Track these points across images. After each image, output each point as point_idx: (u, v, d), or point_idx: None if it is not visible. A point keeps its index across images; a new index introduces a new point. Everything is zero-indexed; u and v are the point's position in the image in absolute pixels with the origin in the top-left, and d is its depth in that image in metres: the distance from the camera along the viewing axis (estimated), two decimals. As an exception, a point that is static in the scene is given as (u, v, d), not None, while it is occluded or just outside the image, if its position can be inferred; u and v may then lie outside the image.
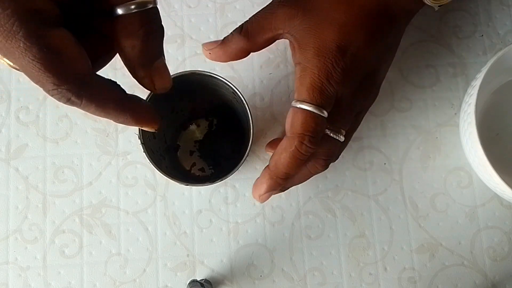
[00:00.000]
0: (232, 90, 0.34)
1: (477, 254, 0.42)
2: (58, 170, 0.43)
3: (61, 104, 0.45)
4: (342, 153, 0.42)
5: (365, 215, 0.42)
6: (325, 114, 0.31)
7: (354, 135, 0.43)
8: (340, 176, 0.43)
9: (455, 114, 0.44)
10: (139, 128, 0.33)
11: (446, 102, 0.45)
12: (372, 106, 0.44)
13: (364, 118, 0.44)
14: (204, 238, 0.42)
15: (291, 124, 0.31)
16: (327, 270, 0.42)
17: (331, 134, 0.33)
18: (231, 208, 0.42)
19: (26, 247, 0.41)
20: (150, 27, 0.24)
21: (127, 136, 0.43)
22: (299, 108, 0.31)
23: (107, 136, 0.43)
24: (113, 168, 0.43)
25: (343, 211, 0.42)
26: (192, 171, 0.42)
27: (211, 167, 0.42)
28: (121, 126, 0.43)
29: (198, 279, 0.40)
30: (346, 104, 0.33)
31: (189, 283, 0.39)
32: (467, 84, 0.45)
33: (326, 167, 0.35)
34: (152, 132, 0.36)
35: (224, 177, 0.34)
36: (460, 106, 0.43)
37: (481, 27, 0.46)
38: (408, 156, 0.44)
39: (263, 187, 0.33)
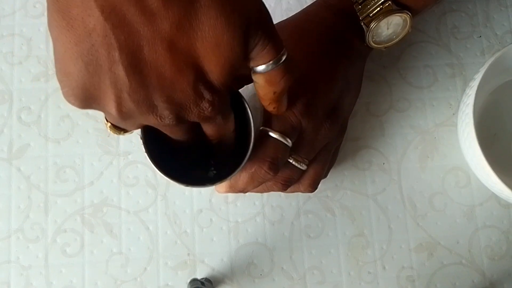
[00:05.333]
0: (234, 92, 0.34)
1: (475, 253, 0.42)
2: (60, 170, 0.43)
3: (62, 104, 0.45)
4: (341, 153, 0.43)
5: (364, 214, 0.43)
6: (289, 142, 0.34)
7: (353, 135, 0.44)
8: (339, 176, 0.43)
9: (453, 114, 0.45)
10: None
11: (444, 102, 0.45)
12: (371, 106, 0.45)
13: (362, 118, 0.44)
14: (205, 237, 0.42)
15: (256, 147, 0.34)
16: (326, 269, 0.42)
17: (293, 162, 0.36)
18: (231, 208, 0.43)
19: (28, 246, 0.42)
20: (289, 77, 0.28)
21: (128, 136, 0.43)
22: (266, 134, 0.34)
23: (108, 136, 0.44)
24: (114, 168, 0.43)
25: (342, 210, 0.43)
26: (194, 172, 0.43)
27: (214, 168, 0.43)
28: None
29: (199, 278, 0.40)
30: (310, 135, 0.36)
31: (190, 282, 0.39)
32: (465, 84, 0.45)
33: (283, 189, 0.37)
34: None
35: (225, 179, 0.34)
36: (458, 106, 0.44)
37: (479, 28, 0.46)
38: (407, 155, 0.44)
39: (222, 189, 0.37)
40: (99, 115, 0.44)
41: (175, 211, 0.42)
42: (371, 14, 0.36)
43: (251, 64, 0.27)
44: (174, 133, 0.28)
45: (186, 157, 0.43)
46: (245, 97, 0.35)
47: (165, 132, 0.28)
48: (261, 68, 0.27)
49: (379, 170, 0.44)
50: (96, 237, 0.42)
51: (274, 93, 0.29)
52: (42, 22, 0.46)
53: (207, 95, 0.24)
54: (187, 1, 0.22)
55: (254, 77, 0.28)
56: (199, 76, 0.24)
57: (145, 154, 0.33)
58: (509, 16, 0.47)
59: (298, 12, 0.39)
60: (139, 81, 0.23)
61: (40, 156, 0.43)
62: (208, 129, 0.28)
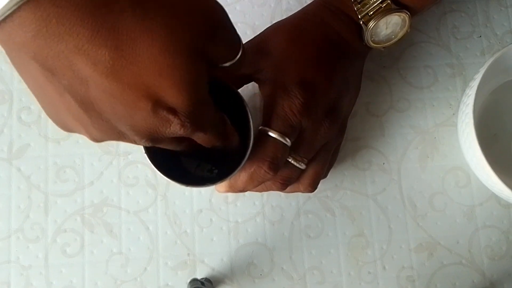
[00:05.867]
0: (233, 93, 0.34)
1: (475, 253, 0.42)
2: (60, 170, 0.43)
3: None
4: (341, 153, 0.43)
5: (364, 214, 0.43)
6: (288, 142, 0.34)
7: (353, 135, 0.44)
8: (339, 176, 0.43)
9: (453, 114, 0.45)
10: None
11: (444, 102, 0.45)
12: (371, 106, 0.45)
13: (362, 118, 0.44)
14: (205, 237, 0.42)
15: (256, 147, 0.34)
16: (326, 269, 0.42)
17: (293, 161, 0.36)
18: (231, 208, 0.43)
19: (28, 246, 0.42)
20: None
21: (128, 136, 0.43)
22: (265, 133, 0.34)
23: (108, 136, 0.44)
24: (114, 168, 0.43)
25: (342, 210, 0.43)
26: (194, 172, 0.43)
27: (213, 168, 0.43)
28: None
29: (199, 278, 0.40)
30: (309, 135, 0.36)
31: (190, 282, 0.39)
32: (465, 84, 0.45)
33: (282, 189, 0.37)
34: None
35: (224, 179, 0.34)
36: (458, 106, 0.44)
37: (479, 28, 0.46)
38: (407, 156, 0.44)
39: (222, 189, 0.37)
40: (99, 115, 0.44)
41: (175, 211, 0.42)
42: (370, 13, 0.36)
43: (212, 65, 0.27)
44: (166, 146, 0.28)
45: (185, 157, 0.43)
46: (245, 97, 0.35)
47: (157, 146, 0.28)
48: (226, 65, 0.28)
49: (379, 170, 0.44)
50: (96, 237, 0.42)
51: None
52: (42, 22, 0.46)
53: (173, 118, 0.24)
54: (115, 38, 0.21)
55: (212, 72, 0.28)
56: (157, 103, 0.23)
57: (145, 155, 0.33)
58: (509, 16, 0.47)
59: (297, 12, 0.39)
60: (96, 116, 0.23)
61: (40, 156, 0.43)
62: (198, 140, 0.28)
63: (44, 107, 0.25)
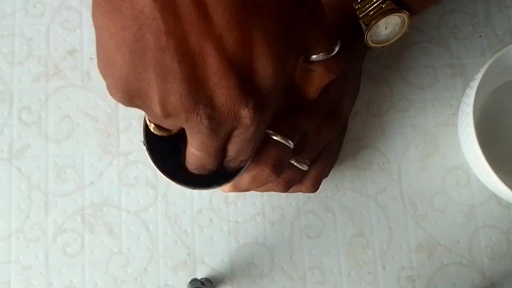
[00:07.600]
0: None
1: (475, 253, 0.42)
2: (60, 170, 0.43)
3: (62, 104, 0.45)
4: (341, 153, 0.43)
5: (364, 214, 0.43)
6: (291, 144, 0.34)
7: (353, 135, 0.44)
8: (339, 176, 0.43)
9: (454, 114, 0.45)
10: (143, 129, 0.32)
11: (445, 102, 0.45)
12: (371, 106, 0.45)
13: (363, 118, 0.44)
14: (205, 237, 0.42)
15: (259, 150, 0.34)
16: (326, 269, 0.42)
17: (295, 163, 0.35)
18: (232, 208, 0.43)
19: (28, 246, 0.42)
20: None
21: (129, 136, 0.43)
22: (268, 136, 0.34)
23: (108, 136, 0.44)
24: (115, 168, 0.43)
25: (343, 210, 0.43)
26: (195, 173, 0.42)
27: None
28: (122, 126, 0.44)
29: (199, 277, 0.40)
30: (311, 136, 0.36)
31: (190, 282, 0.39)
32: (466, 84, 0.45)
33: (285, 190, 0.37)
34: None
35: (229, 181, 0.34)
36: (459, 106, 0.44)
37: (480, 28, 0.46)
38: (407, 155, 0.44)
39: (226, 189, 0.37)
40: (99, 115, 0.44)
41: (175, 211, 0.42)
42: (371, 13, 0.36)
43: (308, 54, 0.27)
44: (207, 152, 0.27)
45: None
46: None
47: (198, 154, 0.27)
48: (315, 57, 0.27)
49: (380, 170, 0.44)
50: (96, 237, 0.42)
51: (329, 78, 0.30)
52: (42, 22, 0.46)
53: (251, 101, 0.23)
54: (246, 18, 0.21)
55: (311, 66, 0.29)
56: (247, 75, 0.23)
57: (149, 157, 0.33)
58: (509, 16, 0.47)
59: None
60: (185, 70, 0.21)
61: (40, 156, 0.43)
62: (233, 143, 0.27)
63: (120, 56, 0.22)
